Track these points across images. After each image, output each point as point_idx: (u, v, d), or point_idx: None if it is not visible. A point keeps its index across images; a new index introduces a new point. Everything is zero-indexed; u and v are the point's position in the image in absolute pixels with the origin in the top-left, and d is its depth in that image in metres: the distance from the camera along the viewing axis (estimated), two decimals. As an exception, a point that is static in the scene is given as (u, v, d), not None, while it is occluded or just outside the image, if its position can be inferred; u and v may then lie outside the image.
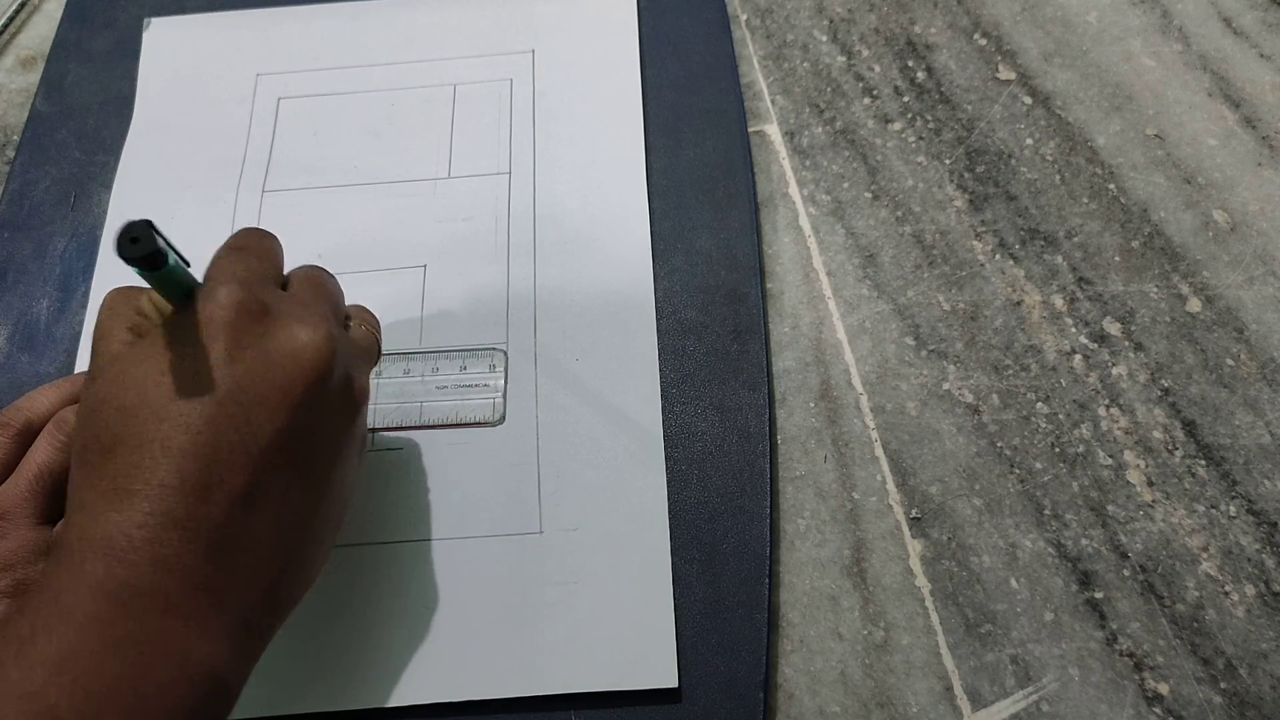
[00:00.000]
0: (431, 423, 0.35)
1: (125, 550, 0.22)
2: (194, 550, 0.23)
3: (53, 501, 0.30)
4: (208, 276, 0.27)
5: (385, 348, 0.37)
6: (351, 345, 0.29)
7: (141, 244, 0.22)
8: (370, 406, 0.35)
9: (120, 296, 0.27)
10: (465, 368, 0.36)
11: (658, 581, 0.32)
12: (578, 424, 0.35)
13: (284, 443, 0.25)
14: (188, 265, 0.25)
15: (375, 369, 0.36)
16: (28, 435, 0.31)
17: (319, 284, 0.30)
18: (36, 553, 0.29)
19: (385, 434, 0.36)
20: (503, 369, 0.36)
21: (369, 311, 0.33)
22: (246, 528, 0.24)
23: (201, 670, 0.23)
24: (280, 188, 0.41)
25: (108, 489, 0.23)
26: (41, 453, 0.31)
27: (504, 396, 0.36)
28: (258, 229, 0.30)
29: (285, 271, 0.30)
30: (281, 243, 0.31)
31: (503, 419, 0.35)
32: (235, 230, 0.39)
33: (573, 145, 0.42)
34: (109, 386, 0.24)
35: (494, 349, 0.37)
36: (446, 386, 0.36)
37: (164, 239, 0.23)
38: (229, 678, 0.24)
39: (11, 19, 0.48)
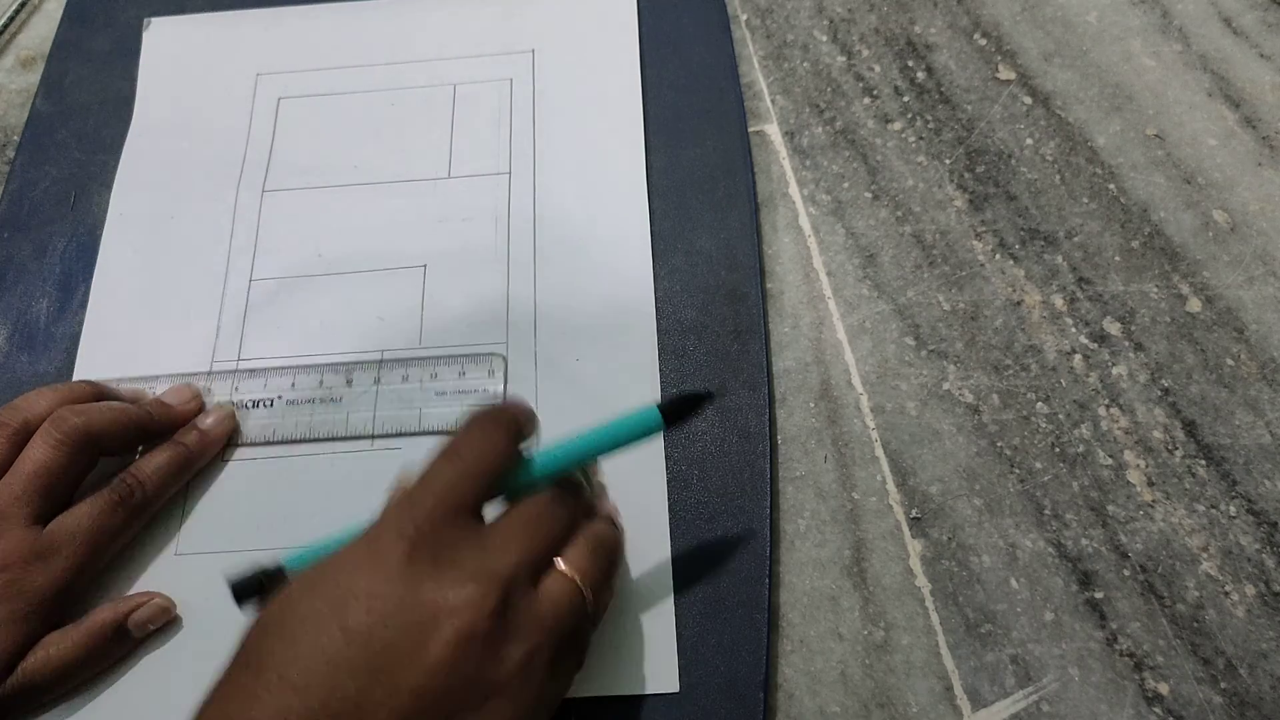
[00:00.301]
0: (431, 429, 0.35)
1: None
2: None
3: (47, 501, 0.30)
4: (388, 504, 0.26)
5: (386, 353, 0.37)
6: (531, 615, 0.25)
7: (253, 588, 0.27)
8: (370, 414, 0.35)
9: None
10: (464, 373, 0.36)
11: (658, 582, 0.32)
12: (578, 424, 0.35)
13: (424, 702, 0.23)
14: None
15: (373, 376, 0.36)
16: (24, 435, 0.31)
17: (529, 525, 0.27)
18: (31, 554, 0.29)
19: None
20: (501, 374, 0.36)
21: (608, 521, 0.29)
22: None
23: None
24: (280, 188, 0.41)
25: (226, 697, 0.23)
26: (38, 451, 0.30)
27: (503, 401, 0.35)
28: (509, 410, 0.28)
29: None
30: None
31: None
32: (235, 231, 0.40)
33: (573, 145, 0.42)
34: (287, 615, 0.24)
35: (492, 354, 0.36)
36: (445, 392, 0.36)
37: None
38: None
39: (11, 19, 0.48)
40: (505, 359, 0.36)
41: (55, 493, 0.31)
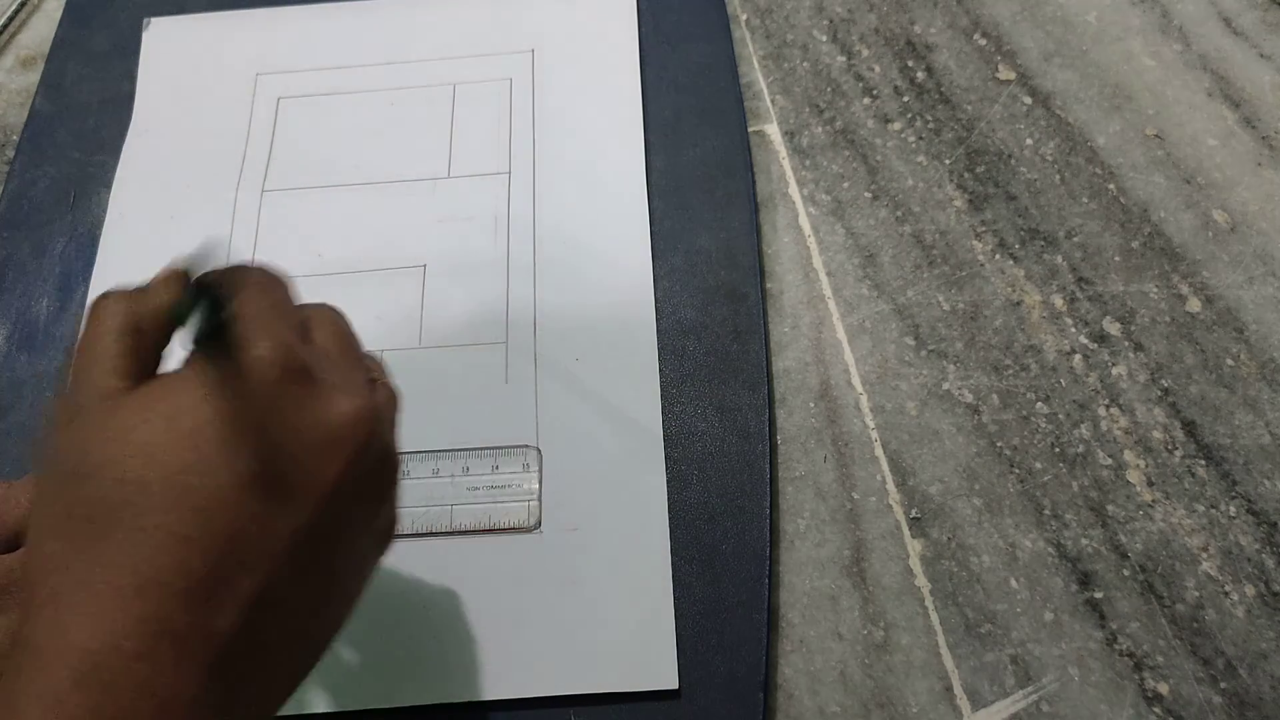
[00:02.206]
0: (463, 528, 0.33)
1: (105, 667, 0.18)
2: (189, 670, 0.19)
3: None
4: (239, 318, 0.21)
5: (386, 351, 0.37)
6: (386, 406, 0.24)
7: (213, 328, 0.19)
8: (400, 509, 0.33)
9: (116, 306, 0.22)
10: (497, 467, 0.34)
11: (658, 581, 0.32)
12: (578, 424, 0.35)
13: (310, 538, 0.21)
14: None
15: (404, 468, 0.32)
16: None
17: (346, 334, 0.25)
18: None
19: None
20: (537, 468, 0.34)
21: (378, 360, 0.27)
22: (253, 639, 0.20)
23: None
24: (280, 187, 0.41)
25: (95, 582, 0.19)
26: None
27: (539, 500, 0.34)
28: (265, 270, 0.24)
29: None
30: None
31: (538, 524, 0.33)
32: (234, 231, 0.40)
33: (573, 145, 0.42)
34: (104, 443, 0.20)
35: (526, 446, 0.35)
36: (478, 488, 0.34)
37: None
38: None
39: (11, 19, 0.48)
40: (539, 451, 0.35)
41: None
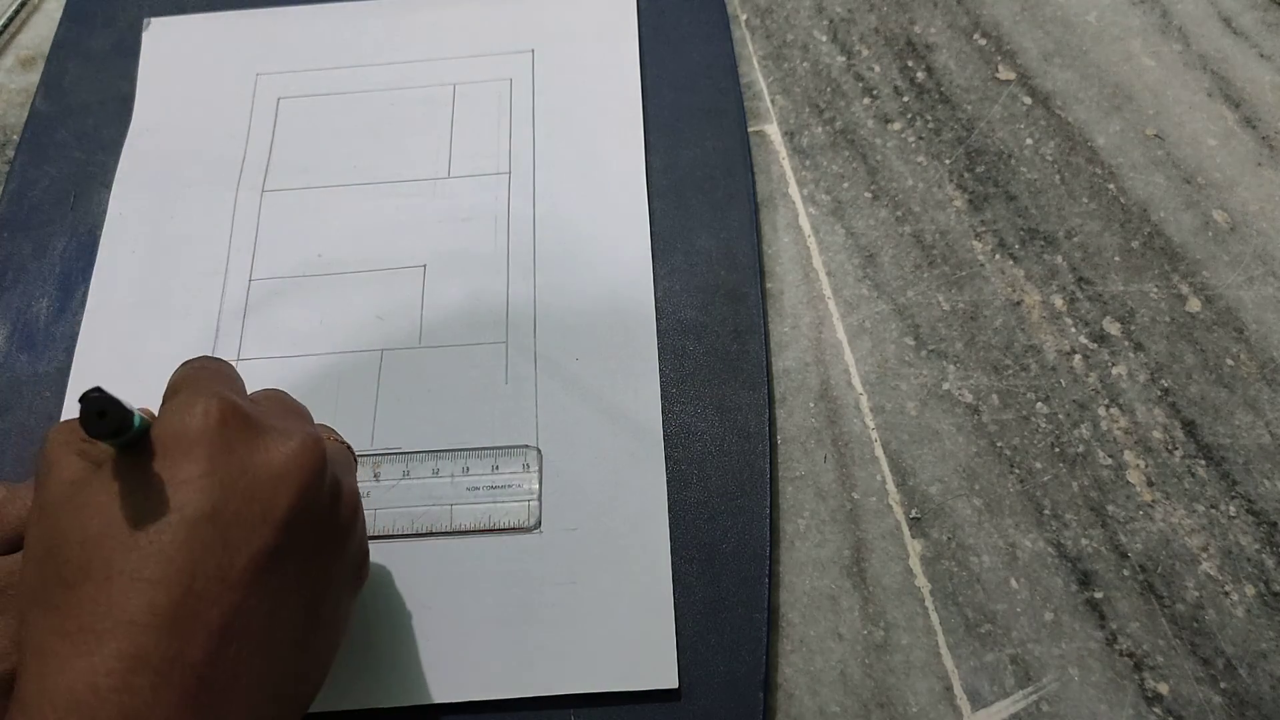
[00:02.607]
0: (463, 528, 0.34)
1: (90, 703, 0.19)
2: (169, 697, 0.20)
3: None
4: (175, 392, 0.24)
5: (386, 351, 0.37)
6: (337, 452, 0.27)
7: (110, 419, 0.21)
8: (398, 511, 0.34)
9: (66, 428, 0.24)
10: (497, 467, 0.34)
11: (658, 581, 0.32)
12: (577, 424, 0.35)
13: (269, 566, 0.22)
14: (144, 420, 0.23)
15: (403, 468, 0.34)
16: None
17: (289, 403, 0.28)
18: None
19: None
20: (537, 468, 0.34)
21: (329, 429, 0.31)
22: (227, 668, 0.21)
23: None
24: (280, 187, 0.41)
25: (71, 630, 0.20)
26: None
27: (539, 500, 0.34)
28: (212, 357, 0.28)
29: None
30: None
31: (538, 524, 0.34)
32: (235, 231, 0.40)
33: (573, 145, 0.42)
34: (69, 516, 0.22)
35: (527, 447, 0.35)
36: (478, 488, 0.34)
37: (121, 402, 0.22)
38: None
39: (11, 19, 0.48)
40: (539, 451, 0.35)
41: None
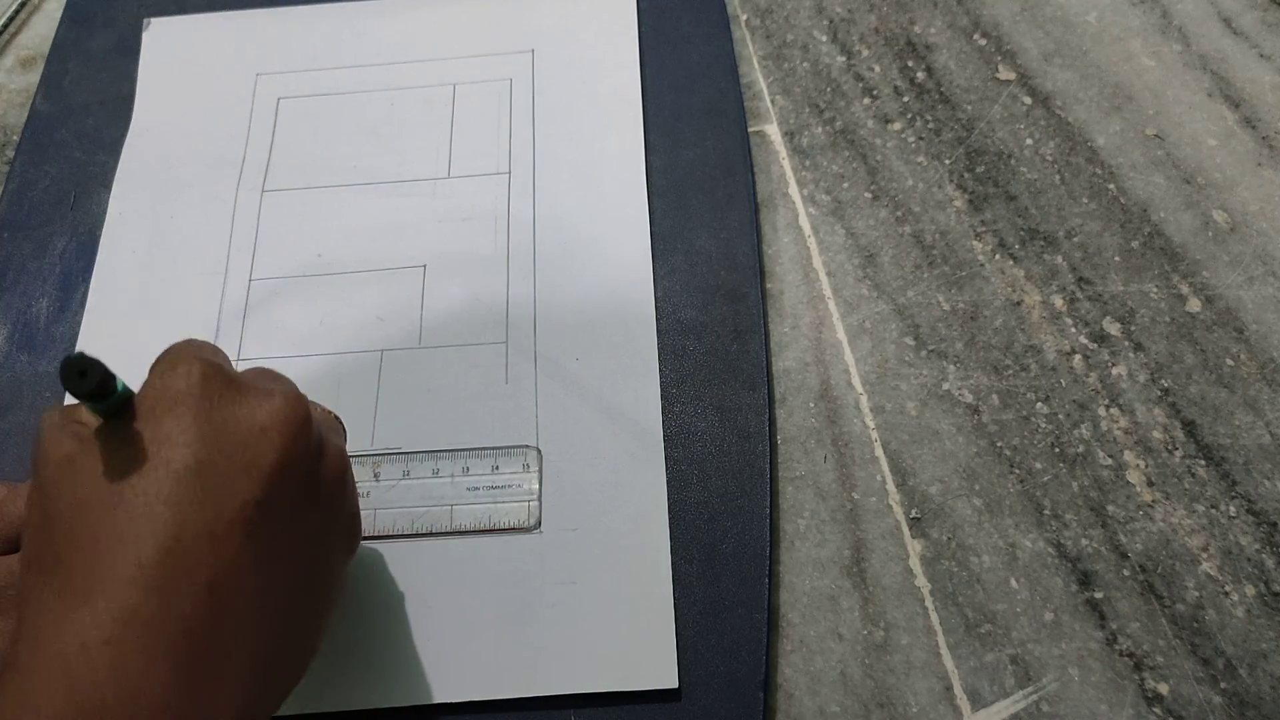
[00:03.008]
0: (463, 528, 0.33)
1: (80, 662, 0.19)
2: (158, 654, 0.20)
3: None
4: (163, 360, 0.24)
5: (386, 353, 0.37)
6: (323, 415, 0.27)
7: (90, 377, 0.21)
8: (398, 511, 0.34)
9: (58, 412, 0.24)
10: (497, 467, 0.34)
11: (658, 581, 0.32)
12: (578, 424, 0.35)
13: (256, 519, 0.22)
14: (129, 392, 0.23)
15: (403, 468, 0.34)
16: None
17: (271, 372, 0.27)
18: None
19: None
20: (537, 468, 0.34)
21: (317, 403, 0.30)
22: (217, 624, 0.21)
23: None
24: (280, 187, 0.41)
25: (61, 590, 0.21)
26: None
27: (539, 500, 0.34)
28: (196, 339, 0.28)
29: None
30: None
31: (538, 524, 0.34)
32: (234, 231, 0.40)
33: (573, 145, 0.42)
34: (60, 490, 0.22)
35: (527, 447, 0.35)
36: (478, 488, 0.34)
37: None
38: None
39: (11, 19, 0.48)
40: (539, 451, 0.35)
41: None
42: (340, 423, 0.30)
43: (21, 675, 0.20)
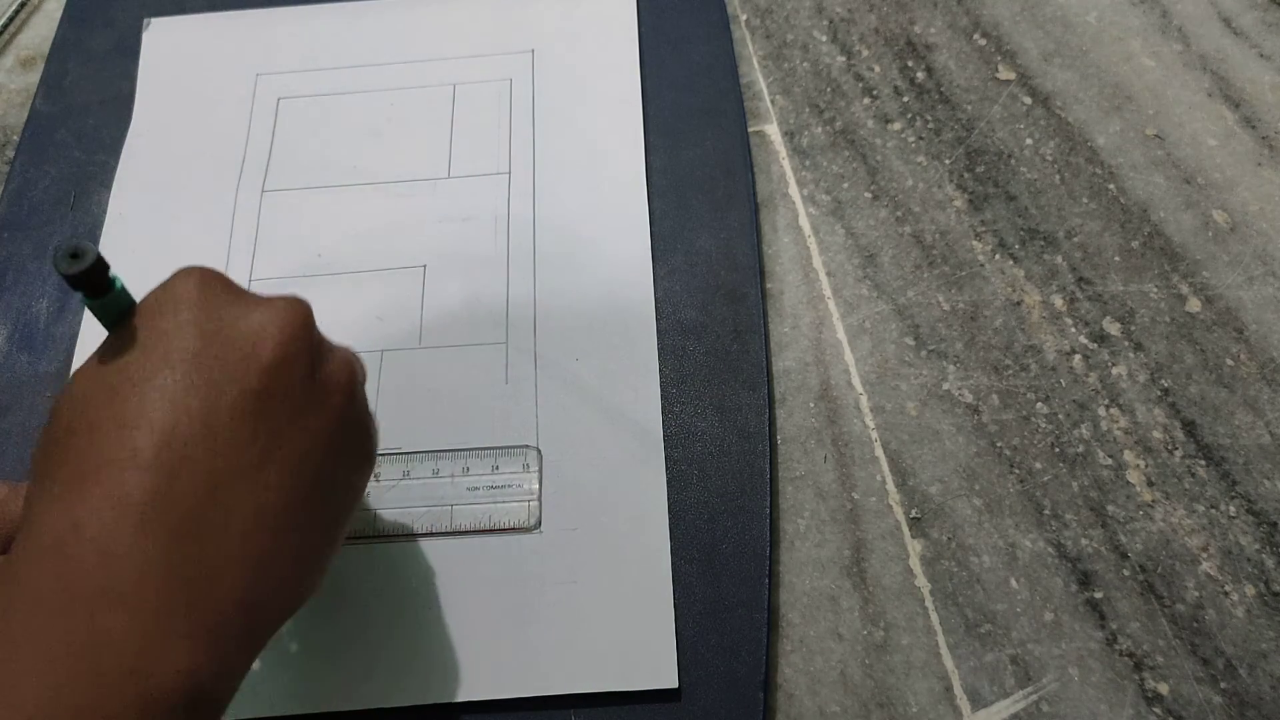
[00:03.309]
0: (463, 528, 0.33)
1: (72, 544, 0.19)
2: (151, 540, 0.20)
3: None
4: (171, 278, 0.24)
5: (386, 353, 0.37)
6: (329, 340, 0.27)
7: (83, 260, 0.20)
8: (399, 511, 0.34)
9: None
10: (497, 467, 0.34)
11: (658, 581, 0.32)
12: (578, 424, 0.35)
13: (254, 412, 0.22)
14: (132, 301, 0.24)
15: (403, 469, 0.34)
16: None
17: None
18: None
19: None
20: (537, 468, 0.34)
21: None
22: (215, 516, 0.21)
23: (165, 686, 0.19)
24: (280, 187, 0.41)
25: (60, 477, 0.21)
26: None
27: (539, 500, 0.34)
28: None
29: None
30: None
31: (538, 524, 0.34)
32: (234, 231, 0.40)
33: (573, 145, 0.42)
34: (69, 386, 0.23)
35: (527, 447, 0.35)
36: (478, 488, 0.34)
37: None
38: (202, 695, 0.20)
39: (11, 19, 0.48)
40: (539, 451, 0.35)
41: None
42: (358, 359, 0.28)
43: (14, 561, 0.20)
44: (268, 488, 0.22)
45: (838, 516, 0.34)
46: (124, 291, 0.23)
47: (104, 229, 0.40)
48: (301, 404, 0.23)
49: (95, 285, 0.22)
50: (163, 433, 0.21)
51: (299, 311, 0.24)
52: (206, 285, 0.23)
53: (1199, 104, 0.42)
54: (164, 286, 0.24)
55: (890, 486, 0.35)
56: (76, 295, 0.39)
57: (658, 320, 0.37)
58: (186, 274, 0.24)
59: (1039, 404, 0.36)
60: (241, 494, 0.22)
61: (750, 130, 0.42)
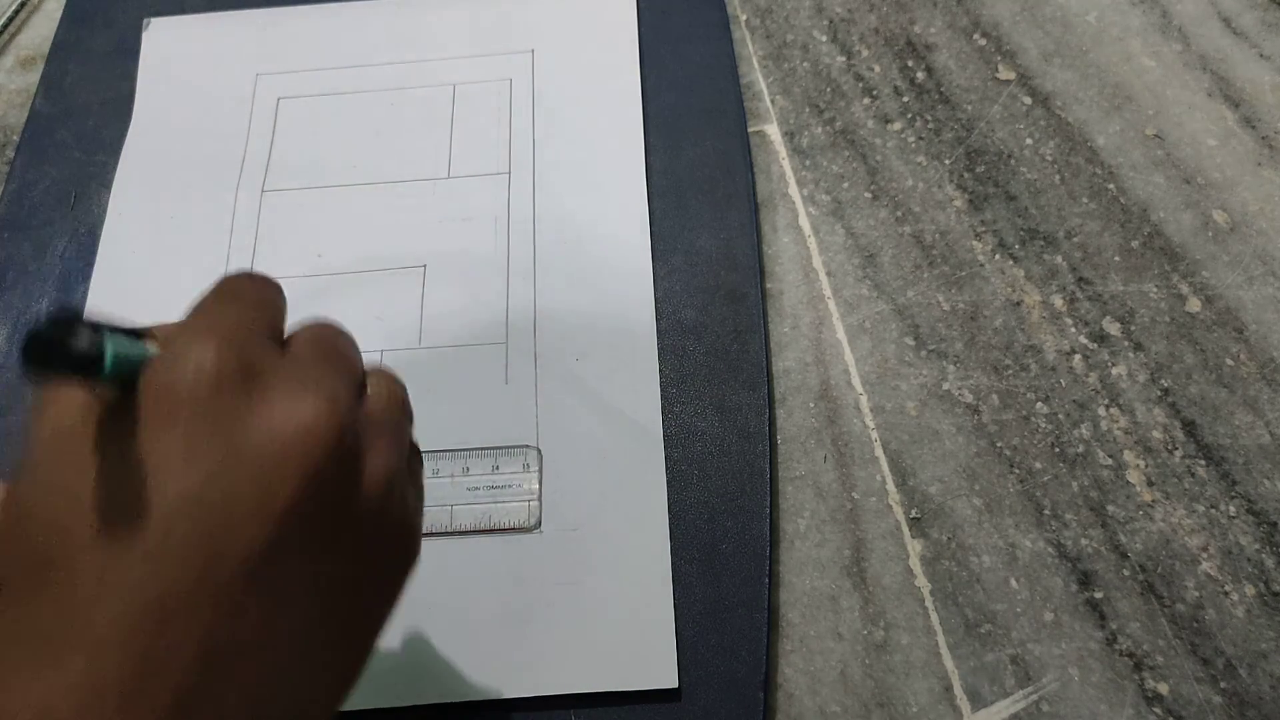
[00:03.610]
0: (463, 528, 0.33)
1: None
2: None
3: None
4: (180, 329, 0.20)
5: (385, 352, 0.37)
6: (370, 423, 0.21)
7: (58, 347, 0.16)
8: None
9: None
10: (497, 467, 0.34)
11: (658, 581, 0.32)
12: (578, 424, 0.35)
13: (266, 563, 0.18)
14: (141, 335, 0.19)
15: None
16: None
17: (329, 345, 0.22)
18: None
19: None
20: (537, 468, 0.34)
21: (390, 372, 0.24)
22: (213, 690, 0.17)
23: None
24: (280, 187, 0.41)
25: (29, 635, 0.17)
26: None
27: (539, 500, 0.34)
28: (256, 274, 0.23)
29: (287, 327, 0.23)
30: (284, 291, 0.23)
31: (538, 524, 0.34)
32: (234, 231, 0.40)
33: (573, 145, 0.42)
34: (39, 490, 0.18)
35: (527, 447, 0.35)
36: (478, 488, 0.34)
37: (102, 324, 0.17)
38: None
39: (11, 19, 0.48)
40: (539, 451, 0.35)
41: None
42: (400, 398, 0.24)
43: None
44: (282, 641, 0.19)
45: (838, 516, 0.34)
46: (132, 354, 0.18)
47: (104, 229, 0.40)
48: (327, 542, 0.19)
49: (76, 363, 0.17)
50: (153, 602, 0.17)
51: (331, 424, 0.19)
52: (220, 388, 0.18)
53: (1199, 104, 0.42)
54: (173, 366, 0.19)
55: (890, 486, 0.35)
56: (75, 297, 0.39)
57: (658, 320, 0.37)
58: (200, 360, 0.18)
59: (1039, 404, 0.36)
60: (248, 655, 0.18)
61: (750, 130, 0.42)
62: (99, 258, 0.40)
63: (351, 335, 0.23)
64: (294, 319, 0.34)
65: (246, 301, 0.21)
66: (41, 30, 0.48)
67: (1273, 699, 0.31)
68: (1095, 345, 0.37)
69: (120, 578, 0.17)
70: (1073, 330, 0.37)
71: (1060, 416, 0.36)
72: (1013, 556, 0.33)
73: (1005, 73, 0.44)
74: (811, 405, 0.37)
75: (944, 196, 0.41)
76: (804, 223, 0.41)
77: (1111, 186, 0.40)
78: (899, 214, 0.41)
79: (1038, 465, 0.35)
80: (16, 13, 0.48)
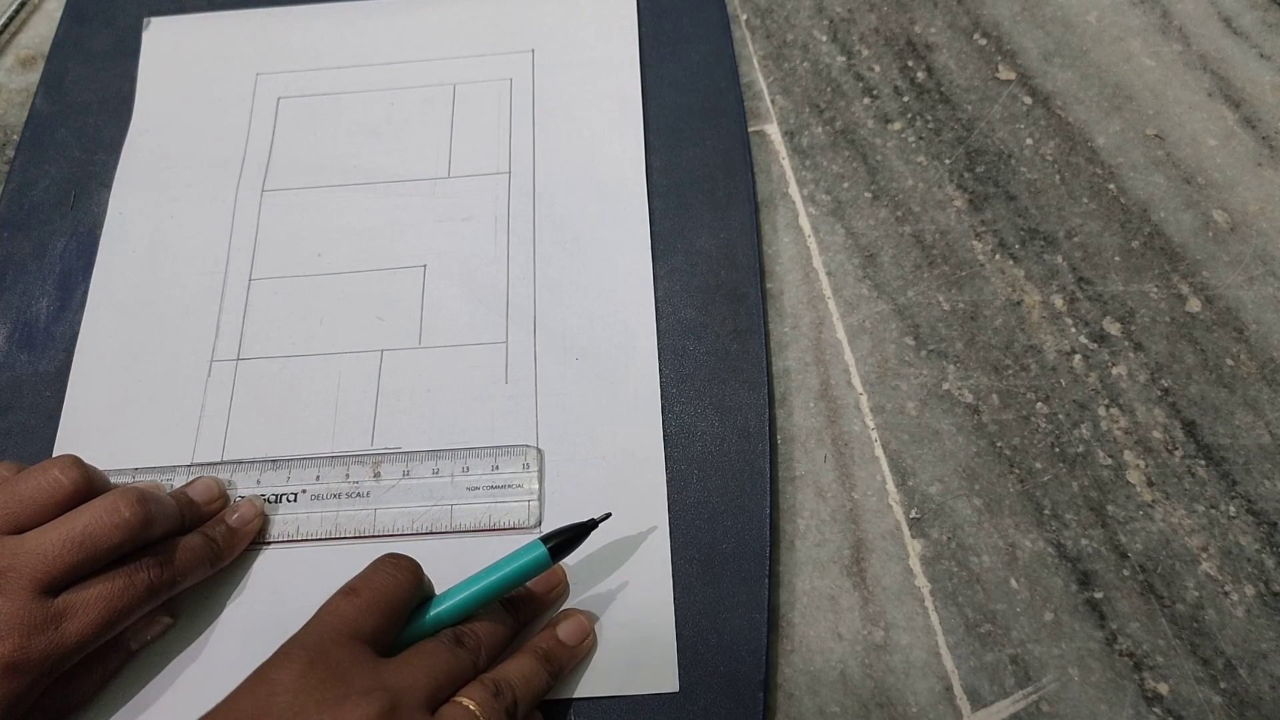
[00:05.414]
0: (463, 527, 0.34)
1: None
2: None
3: (70, 574, 0.27)
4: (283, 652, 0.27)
5: (386, 352, 0.37)
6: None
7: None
8: (398, 510, 0.34)
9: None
10: (497, 467, 0.34)
11: (658, 583, 0.32)
12: (578, 424, 0.35)
13: None
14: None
15: (402, 468, 0.34)
16: (84, 489, 0.29)
17: (435, 661, 0.28)
18: (29, 629, 0.26)
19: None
20: (536, 468, 0.34)
21: (535, 658, 0.30)
22: None
23: None
24: (280, 187, 0.41)
25: None
26: (97, 519, 0.28)
27: (539, 500, 0.34)
28: (400, 558, 0.30)
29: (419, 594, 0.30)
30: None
31: (539, 524, 0.34)
32: (234, 231, 0.40)
33: (573, 145, 0.42)
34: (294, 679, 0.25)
35: (527, 447, 0.35)
36: (478, 488, 0.34)
37: None
38: None
39: (11, 19, 0.48)
40: (540, 451, 0.35)
41: (87, 568, 0.28)
42: (531, 692, 0.29)
43: None
44: None
45: (838, 516, 0.34)
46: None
47: (104, 229, 0.40)
48: None
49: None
50: None
51: (373, 714, 0.25)
52: (305, 677, 0.25)
53: (1199, 104, 0.42)
54: (274, 666, 0.26)
55: (890, 486, 0.35)
56: (76, 297, 0.39)
57: (658, 320, 0.37)
58: (287, 659, 0.26)
59: (1039, 404, 0.36)
60: None
61: (750, 130, 0.42)
62: (99, 258, 0.40)
63: (468, 650, 0.29)
64: (295, 318, 0.35)
65: (368, 593, 0.29)
66: (41, 30, 0.48)
67: (1273, 699, 0.31)
68: (1095, 345, 0.37)
69: None
70: (1073, 330, 0.37)
71: (1060, 416, 0.36)
72: (1013, 556, 0.33)
73: (1005, 73, 0.44)
74: (811, 405, 0.37)
75: (944, 196, 0.41)
76: (804, 222, 0.41)
77: (1112, 186, 0.40)
78: (899, 214, 0.41)
79: (1038, 465, 0.35)
80: (16, 12, 0.48)
